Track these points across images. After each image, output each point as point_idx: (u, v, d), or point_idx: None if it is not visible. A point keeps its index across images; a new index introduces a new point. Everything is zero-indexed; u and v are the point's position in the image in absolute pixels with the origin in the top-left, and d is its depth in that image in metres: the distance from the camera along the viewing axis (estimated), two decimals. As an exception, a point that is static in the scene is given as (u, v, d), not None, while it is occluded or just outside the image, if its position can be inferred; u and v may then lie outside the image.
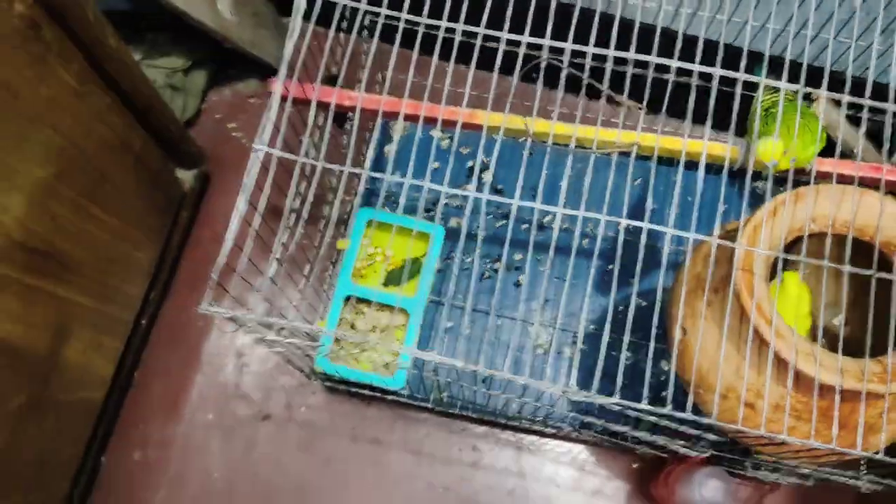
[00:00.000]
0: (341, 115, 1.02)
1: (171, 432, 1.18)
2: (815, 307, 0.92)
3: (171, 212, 1.13)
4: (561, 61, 0.73)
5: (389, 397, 1.14)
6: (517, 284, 1.20)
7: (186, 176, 1.16)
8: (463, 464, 1.18)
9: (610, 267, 1.19)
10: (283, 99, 0.77)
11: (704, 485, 0.94)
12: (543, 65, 0.72)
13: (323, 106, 0.84)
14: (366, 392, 1.14)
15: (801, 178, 0.82)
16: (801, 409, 0.72)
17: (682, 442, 0.88)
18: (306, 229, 1.17)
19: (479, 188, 1.24)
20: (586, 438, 1.14)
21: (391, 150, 1.26)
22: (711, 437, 0.77)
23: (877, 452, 0.67)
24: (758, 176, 1.02)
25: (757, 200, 1.21)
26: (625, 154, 0.83)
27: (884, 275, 0.70)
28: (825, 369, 0.68)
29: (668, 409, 0.64)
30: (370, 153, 1.25)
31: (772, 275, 0.91)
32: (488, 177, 1.25)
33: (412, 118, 0.84)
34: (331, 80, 0.87)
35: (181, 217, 1.15)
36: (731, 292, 0.72)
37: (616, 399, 0.65)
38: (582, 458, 1.18)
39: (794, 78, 0.76)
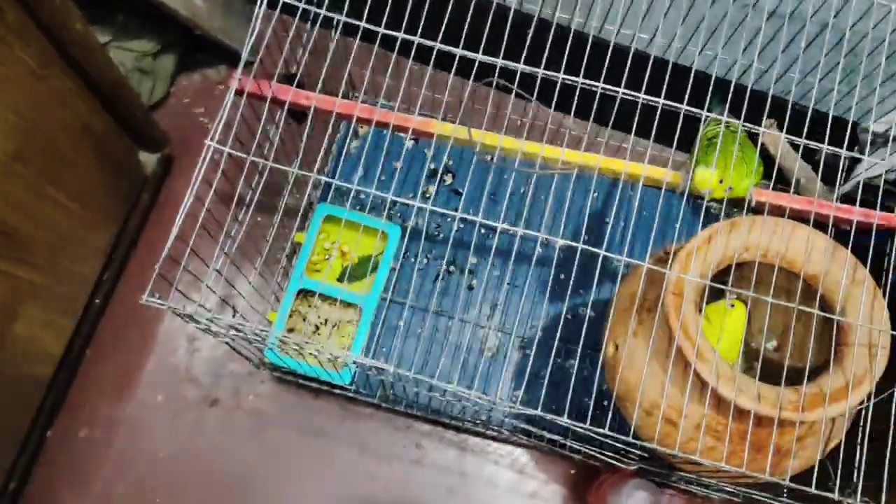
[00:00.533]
0: (302, 114, 1.03)
1: (119, 412, 1.19)
2: (755, 332, 0.95)
3: (132, 195, 1.14)
4: (511, 83, 0.75)
5: (337, 391, 1.16)
6: (470, 288, 1.22)
7: (149, 159, 1.17)
8: (406, 460, 1.20)
9: (562, 276, 1.22)
10: (240, 94, 0.78)
11: (632, 496, 0.97)
12: (493, 84, 0.74)
13: (280, 104, 0.86)
14: (313, 384, 1.16)
15: (738, 207, 0.84)
16: (720, 431, 0.75)
17: (611, 453, 0.91)
18: (263, 219, 1.20)
19: (439, 190, 1.26)
20: (526, 443, 1.16)
21: (356, 146, 1.27)
22: (636, 452, 0.79)
23: (783, 478, 0.70)
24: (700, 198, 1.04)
25: (710, 220, 1.24)
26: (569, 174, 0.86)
27: (804, 308, 0.72)
28: (743, 394, 0.71)
29: (587, 426, 0.66)
30: (334, 149, 1.26)
31: (710, 298, 0.94)
32: (449, 179, 1.27)
33: (365, 122, 0.86)
34: (290, 79, 0.89)
35: (142, 200, 1.16)
36: (660, 313, 0.74)
37: (538, 412, 0.67)
38: (522, 461, 1.20)
39: (741, 107, 0.79)
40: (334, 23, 0.80)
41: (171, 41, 1.23)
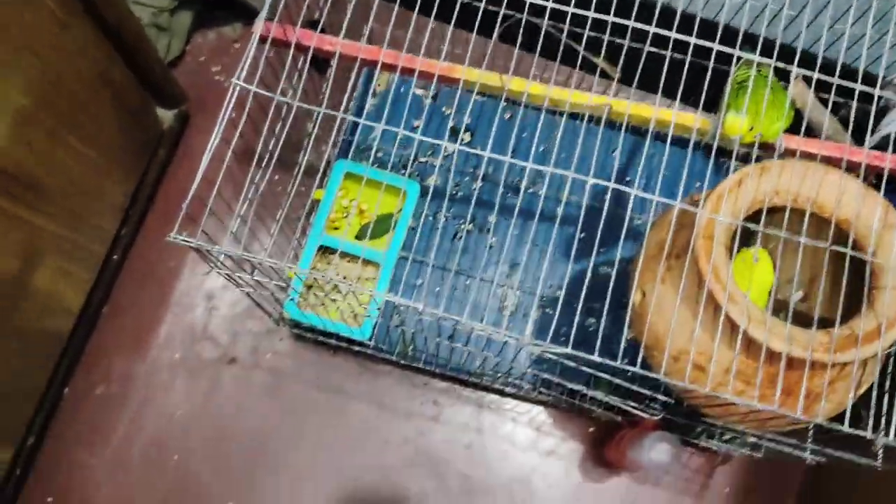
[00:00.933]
0: (324, 62, 1.02)
1: (136, 369, 1.19)
2: (783, 283, 0.95)
3: (149, 149, 1.14)
4: (540, 22, 0.74)
5: (356, 348, 1.15)
6: (490, 247, 1.21)
7: (166, 115, 1.17)
8: (423, 417, 1.20)
9: (582, 234, 1.21)
10: (264, 40, 0.77)
11: (653, 447, 0.97)
12: (523, 22, 0.73)
13: (303, 49, 0.85)
14: (332, 342, 1.16)
15: (768, 153, 0.83)
16: (750, 375, 0.75)
17: (634, 404, 0.90)
18: (282, 176, 1.18)
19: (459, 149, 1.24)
20: (545, 399, 1.16)
21: (373, 104, 1.26)
22: (662, 398, 0.79)
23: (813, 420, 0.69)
24: (730, 154, 1.03)
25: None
26: (601, 122, 0.85)
27: (837, 248, 0.72)
28: (774, 336, 0.70)
29: (618, 363, 0.66)
30: (353, 105, 1.25)
31: (738, 248, 0.93)
32: (468, 137, 1.26)
33: (390, 67, 0.85)
34: (313, 25, 0.87)
35: (158, 155, 1.15)
36: (690, 257, 0.74)
37: (569, 350, 0.67)
38: (540, 419, 1.20)
39: (768, 54, 0.77)
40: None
41: (188, -4, 1.22)
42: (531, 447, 1.19)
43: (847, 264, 0.73)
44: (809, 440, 0.89)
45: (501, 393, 1.19)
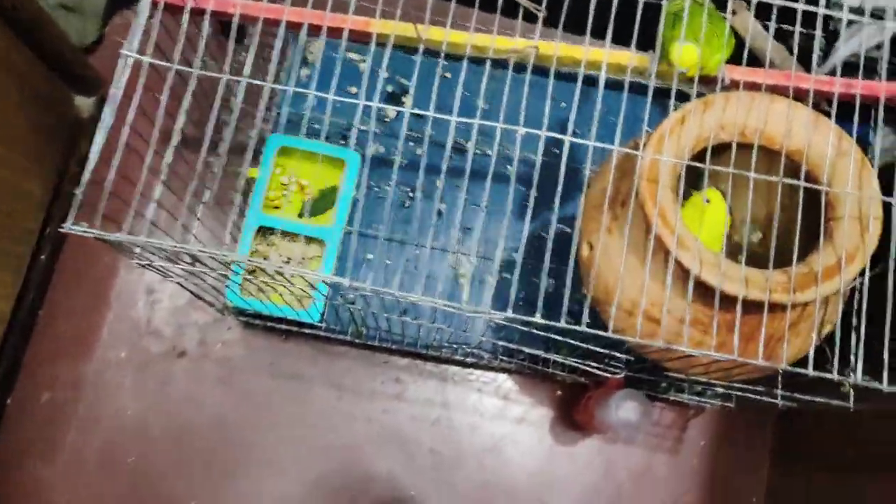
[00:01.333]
0: (240, 32, 0.96)
1: (82, 371, 1.13)
2: (738, 225, 0.91)
3: (67, 138, 1.07)
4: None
5: (307, 331, 1.10)
6: (439, 214, 1.16)
7: (85, 103, 1.10)
8: (386, 396, 1.15)
9: (536, 193, 1.16)
10: (155, 4, 0.71)
11: (620, 406, 0.93)
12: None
13: (201, 13, 0.79)
14: (282, 326, 1.11)
15: (710, 87, 0.79)
16: (706, 323, 0.70)
17: (595, 364, 0.86)
18: (216, 159, 1.12)
19: (399, 112, 1.19)
20: (509, 367, 1.12)
21: (306, 74, 1.20)
22: (619, 355, 0.75)
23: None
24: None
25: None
26: (539, 72, 0.79)
27: (790, 181, 0.67)
28: (728, 280, 0.66)
29: (562, 322, 0.61)
30: (283, 77, 1.19)
31: (688, 193, 0.88)
32: (408, 101, 1.20)
33: (296, 27, 0.78)
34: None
35: (79, 145, 1.09)
36: (635, 203, 0.69)
37: (509, 314, 0.62)
38: (506, 387, 1.16)
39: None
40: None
41: (97, -27, 1.15)
42: (499, 416, 1.15)
43: (801, 198, 0.69)
44: (779, 386, 0.86)
45: (464, 364, 1.15)
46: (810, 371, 0.62)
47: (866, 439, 0.94)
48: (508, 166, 1.17)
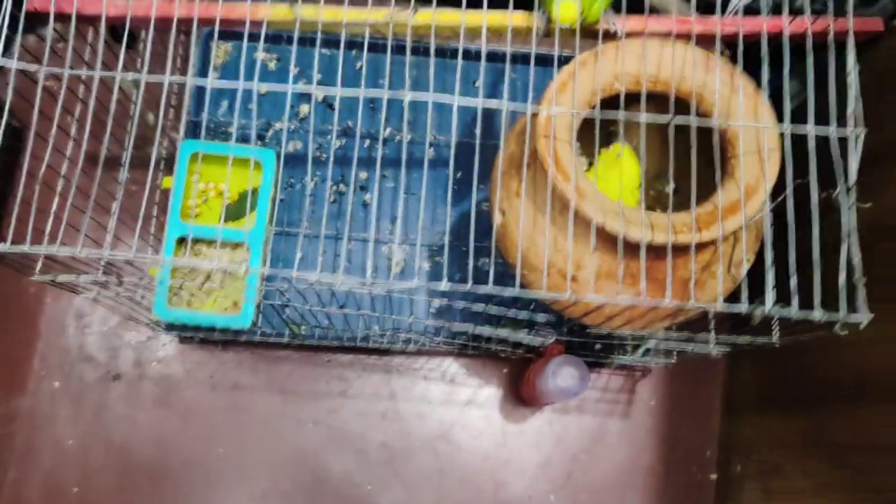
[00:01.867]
0: (131, 35, 0.94)
1: (15, 406, 1.10)
2: (652, 179, 0.91)
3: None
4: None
5: (244, 338, 1.08)
6: (365, 205, 1.15)
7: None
8: (331, 395, 1.13)
9: (459, 174, 1.15)
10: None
11: (557, 373, 0.92)
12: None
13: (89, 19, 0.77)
14: (218, 337, 1.08)
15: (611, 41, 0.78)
16: (616, 273, 0.70)
17: (524, 332, 0.86)
18: (133, 174, 1.10)
19: (313, 108, 1.17)
20: (452, 350, 1.11)
21: (216, 77, 1.18)
22: (541, 317, 0.74)
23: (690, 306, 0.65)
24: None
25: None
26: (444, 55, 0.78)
27: (681, 119, 0.67)
28: (631, 225, 0.65)
29: (468, 286, 0.60)
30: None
31: (599, 151, 0.88)
32: (321, 95, 1.18)
33: (164, 21, 0.76)
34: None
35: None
36: (536, 162, 0.68)
37: (418, 281, 0.61)
38: (451, 371, 1.15)
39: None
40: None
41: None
42: (447, 401, 1.14)
43: (694, 135, 0.68)
44: (712, 328, 0.86)
45: (408, 353, 1.14)
46: (718, 306, 0.62)
47: (803, 377, 0.95)
48: (429, 152, 1.16)
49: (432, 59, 0.69)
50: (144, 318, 1.02)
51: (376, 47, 1.15)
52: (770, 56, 0.71)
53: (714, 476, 1.13)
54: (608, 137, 0.88)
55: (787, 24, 0.77)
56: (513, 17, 0.76)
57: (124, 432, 1.10)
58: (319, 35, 0.79)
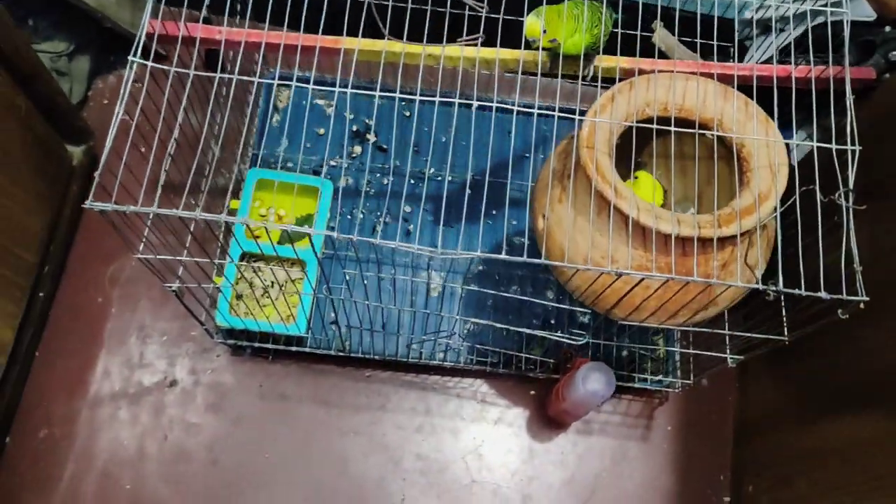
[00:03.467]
0: (219, 61, 1.07)
1: (78, 406, 1.19)
2: (677, 202, 1.02)
3: (62, 182, 1.16)
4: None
5: (293, 349, 1.18)
6: (407, 234, 1.26)
7: (75, 151, 1.19)
8: (371, 408, 1.22)
9: (493, 211, 1.27)
10: (150, 38, 0.83)
11: (587, 378, 1.01)
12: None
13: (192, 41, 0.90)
14: (269, 346, 1.18)
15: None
16: (648, 267, 0.80)
17: (559, 335, 0.95)
18: (197, 200, 1.22)
19: (365, 149, 1.30)
20: (484, 369, 1.20)
21: (277, 120, 1.31)
22: (579, 312, 0.84)
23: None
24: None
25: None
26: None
27: (700, 131, 0.79)
28: (662, 220, 0.76)
29: (512, 256, 0.71)
30: (257, 124, 1.29)
31: (625, 177, 1.00)
32: (373, 137, 1.32)
33: (273, 48, 0.89)
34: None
35: (71, 190, 1.18)
36: (579, 169, 0.80)
37: (478, 253, 0.71)
38: (483, 390, 1.23)
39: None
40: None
41: (84, 41, 1.26)
42: (479, 419, 1.22)
43: (715, 145, 0.80)
44: (726, 324, 0.96)
45: (443, 371, 1.23)
46: (739, 282, 0.72)
47: (806, 393, 1.04)
48: (469, 189, 1.28)
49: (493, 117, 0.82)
50: (207, 322, 1.12)
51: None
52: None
53: (727, 499, 1.20)
54: (637, 167, 1.00)
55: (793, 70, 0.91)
56: (524, 54, 0.90)
57: (178, 434, 1.18)
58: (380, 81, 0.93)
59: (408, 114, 1.33)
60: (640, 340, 1.18)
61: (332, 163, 1.30)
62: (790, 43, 1.10)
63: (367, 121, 1.33)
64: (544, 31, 0.87)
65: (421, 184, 1.29)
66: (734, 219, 0.77)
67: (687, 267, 0.79)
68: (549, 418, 1.21)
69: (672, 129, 0.78)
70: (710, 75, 0.89)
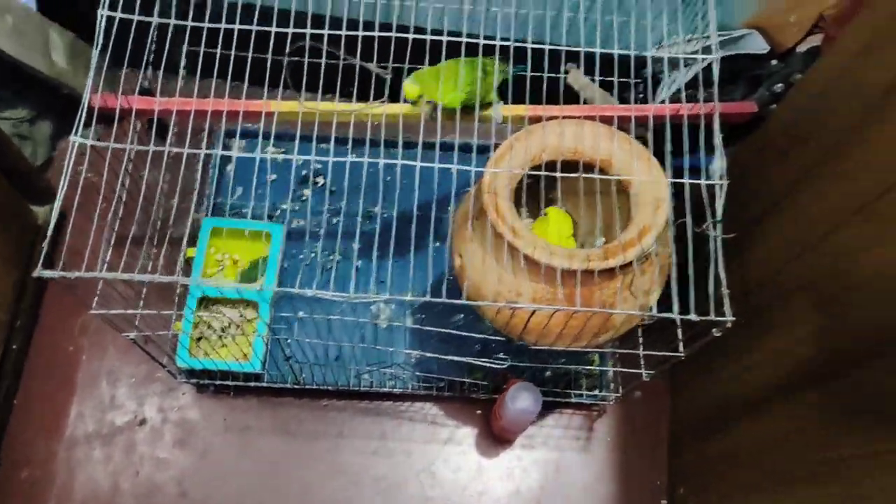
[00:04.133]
0: (163, 128, 1.16)
1: (55, 448, 1.27)
2: (585, 235, 1.11)
3: (27, 241, 1.25)
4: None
5: (252, 384, 1.26)
6: (357, 269, 1.35)
7: (40, 211, 1.28)
8: (329, 435, 1.30)
9: (437, 243, 1.36)
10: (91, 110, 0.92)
11: (515, 398, 1.10)
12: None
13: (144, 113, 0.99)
14: (230, 383, 1.27)
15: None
16: (551, 300, 0.89)
17: (485, 360, 1.04)
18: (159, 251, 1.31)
19: (314, 192, 1.40)
20: (432, 394, 1.28)
21: (230, 168, 1.41)
22: (495, 338, 0.93)
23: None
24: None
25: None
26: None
27: (588, 175, 0.88)
28: (555, 256, 0.85)
29: (441, 298, 0.80)
30: (211, 173, 1.39)
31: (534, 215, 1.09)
32: (321, 181, 1.41)
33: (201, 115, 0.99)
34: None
35: (37, 249, 1.27)
36: (479, 209, 0.89)
37: (386, 296, 0.80)
38: (433, 413, 1.32)
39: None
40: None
41: (44, 107, 1.35)
42: (430, 440, 1.31)
43: (597, 187, 0.89)
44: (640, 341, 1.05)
45: (393, 397, 1.31)
46: (618, 310, 0.81)
47: (718, 404, 1.13)
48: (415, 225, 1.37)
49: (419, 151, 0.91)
50: (169, 364, 1.21)
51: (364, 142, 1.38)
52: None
53: (664, 502, 1.28)
54: (549, 203, 1.09)
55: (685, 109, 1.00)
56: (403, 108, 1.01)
57: (148, 469, 1.27)
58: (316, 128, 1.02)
59: (354, 156, 1.42)
60: (575, 360, 1.27)
61: (283, 206, 1.39)
62: (697, 78, 1.20)
63: (315, 165, 1.42)
64: (420, 97, 0.97)
65: (368, 222, 1.38)
66: (620, 250, 0.86)
67: (584, 297, 0.88)
68: (494, 435, 1.30)
69: (558, 174, 0.87)
70: (611, 118, 0.99)
